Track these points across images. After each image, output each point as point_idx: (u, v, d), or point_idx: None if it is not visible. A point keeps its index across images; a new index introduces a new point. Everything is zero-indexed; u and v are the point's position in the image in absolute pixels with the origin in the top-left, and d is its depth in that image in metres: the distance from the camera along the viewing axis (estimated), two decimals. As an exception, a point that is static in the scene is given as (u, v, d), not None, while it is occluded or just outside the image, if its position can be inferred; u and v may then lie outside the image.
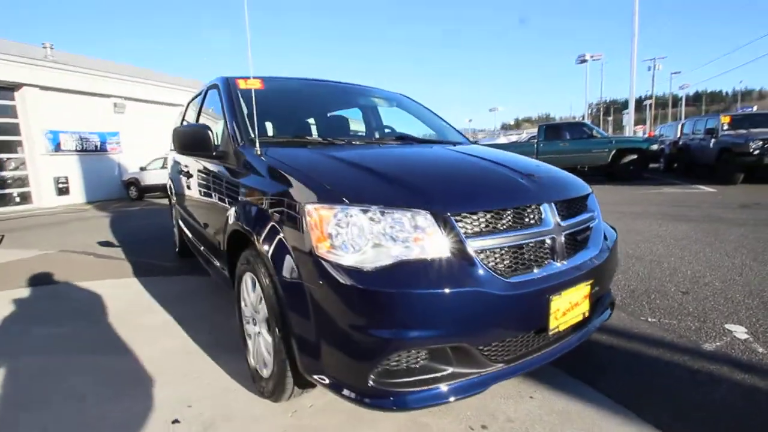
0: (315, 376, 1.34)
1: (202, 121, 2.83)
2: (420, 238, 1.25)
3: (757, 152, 8.02)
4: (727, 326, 2.18)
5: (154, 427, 1.57)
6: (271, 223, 1.45)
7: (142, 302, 2.98)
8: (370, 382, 1.21)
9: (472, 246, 1.27)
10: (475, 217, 1.33)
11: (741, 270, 3.07)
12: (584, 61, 26.64)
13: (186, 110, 3.82)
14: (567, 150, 10.99)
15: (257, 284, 1.61)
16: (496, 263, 1.31)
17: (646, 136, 18.52)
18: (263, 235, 1.46)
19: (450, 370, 1.27)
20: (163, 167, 13.35)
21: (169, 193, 4.20)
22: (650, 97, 42.52)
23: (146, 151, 14.28)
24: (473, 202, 1.36)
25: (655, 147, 10.79)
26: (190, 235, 3.13)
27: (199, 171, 2.63)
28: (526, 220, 1.42)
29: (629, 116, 15.97)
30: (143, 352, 2.19)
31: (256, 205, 1.60)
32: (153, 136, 14.90)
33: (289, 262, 1.35)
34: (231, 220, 1.83)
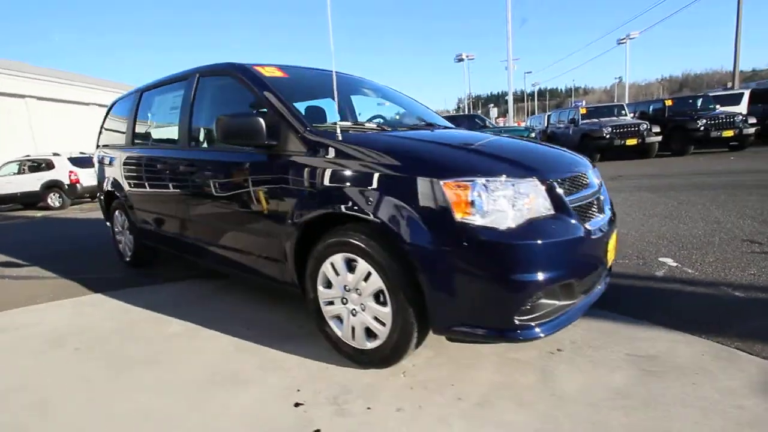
0: (456, 328, 1.55)
1: (197, 112, 2.63)
2: (534, 200, 1.56)
3: (608, 136, 10.26)
4: (660, 259, 2.99)
5: (281, 415, 1.57)
6: (395, 200, 1.58)
7: (137, 315, 2.65)
8: (516, 321, 1.49)
9: (569, 203, 1.63)
10: (562, 182, 1.69)
11: (642, 222, 4.10)
12: (461, 59, 29.67)
13: (138, 104, 3.40)
14: (466, 139, 12.33)
15: (360, 261, 1.72)
16: (580, 215, 1.70)
17: (515, 125, 21.65)
18: (387, 212, 1.59)
19: (558, 303, 1.61)
20: (20, 172, 10.93)
21: (114, 196, 3.66)
22: (508, 93, 49.51)
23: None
24: (560, 171, 1.72)
25: (533, 135, 12.83)
26: (185, 240, 2.85)
27: (211, 166, 2.47)
28: (585, 183, 1.84)
29: (508, 108, 18.63)
30: (193, 359, 2.05)
31: (364, 186, 1.68)
32: (-4, 135, 12.02)
33: (423, 231, 1.52)
34: (309, 207, 1.86)
